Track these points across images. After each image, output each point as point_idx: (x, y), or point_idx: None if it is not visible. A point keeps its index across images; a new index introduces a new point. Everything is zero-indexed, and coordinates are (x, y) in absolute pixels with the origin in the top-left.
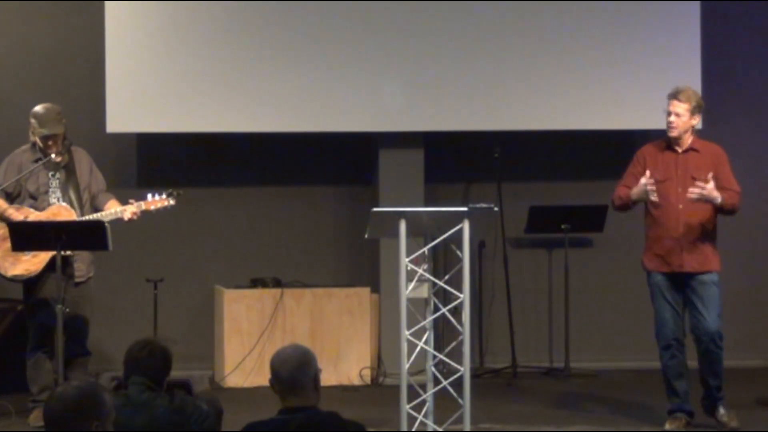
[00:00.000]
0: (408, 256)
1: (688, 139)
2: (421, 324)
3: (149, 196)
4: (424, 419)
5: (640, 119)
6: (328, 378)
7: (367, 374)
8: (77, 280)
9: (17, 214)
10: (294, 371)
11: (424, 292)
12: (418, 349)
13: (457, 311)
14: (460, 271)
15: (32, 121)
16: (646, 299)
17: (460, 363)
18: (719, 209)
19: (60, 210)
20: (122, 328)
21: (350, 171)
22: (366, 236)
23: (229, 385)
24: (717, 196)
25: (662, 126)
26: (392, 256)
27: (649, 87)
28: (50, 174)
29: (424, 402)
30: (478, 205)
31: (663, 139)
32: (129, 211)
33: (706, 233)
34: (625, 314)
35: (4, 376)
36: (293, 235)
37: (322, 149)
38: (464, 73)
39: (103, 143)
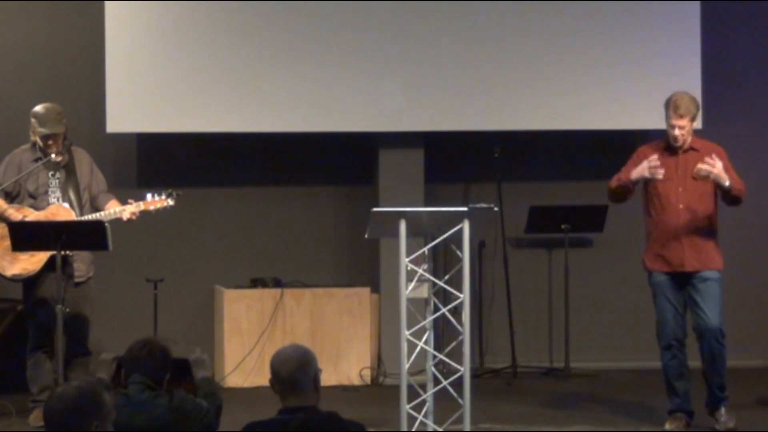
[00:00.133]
0: (408, 256)
1: (687, 140)
2: (421, 324)
3: (149, 196)
4: (424, 419)
5: (640, 119)
6: (328, 378)
7: (367, 374)
8: (77, 280)
9: (17, 213)
10: (294, 371)
11: (424, 292)
12: (418, 349)
13: (457, 311)
14: (460, 271)
15: (32, 120)
16: (646, 299)
17: (460, 363)
18: (725, 195)
19: (59, 210)
20: (122, 328)
21: (350, 171)
22: (366, 236)
23: (229, 385)
24: (725, 178)
25: (662, 126)
26: (392, 256)
27: (649, 87)
28: (50, 174)
29: (424, 402)
30: (478, 205)
31: (662, 139)
32: (128, 211)
33: (707, 232)
34: (625, 314)
35: (4, 376)
36: (293, 235)
37: (322, 149)
38: (464, 73)
39: (103, 143)
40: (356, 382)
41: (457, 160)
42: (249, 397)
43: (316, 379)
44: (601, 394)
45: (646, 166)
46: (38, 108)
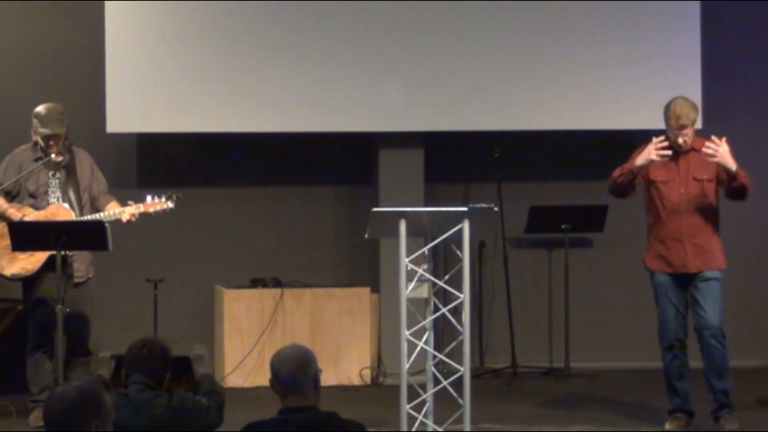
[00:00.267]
0: (408, 256)
1: (689, 141)
2: (421, 324)
3: (149, 198)
4: (424, 419)
5: (640, 119)
6: (328, 378)
7: (367, 374)
8: (76, 280)
9: (17, 213)
10: (294, 371)
11: (424, 292)
12: (418, 349)
13: (457, 311)
14: (460, 271)
15: (34, 120)
16: (645, 299)
17: (460, 363)
18: (730, 185)
19: (59, 210)
20: (122, 328)
21: (350, 171)
22: (366, 236)
23: (229, 385)
24: (732, 162)
25: (662, 126)
26: (392, 256)
27: (649, 87)
28: (50, 174)
29: (424, 402)
30: (478, 205)
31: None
32: (128, 212)
33: (710, 232)
34: (625, 314)
35: (4, 376)
36: (293, 235)
37: (322, 149)
38: (464, 73)
39: (103, 143)
40: (356, 382)
41: (457, 160)
42: (249, 397)
43: (316, 379)
44: (601, 394)
45: (652, 148)
46: (40, 108)
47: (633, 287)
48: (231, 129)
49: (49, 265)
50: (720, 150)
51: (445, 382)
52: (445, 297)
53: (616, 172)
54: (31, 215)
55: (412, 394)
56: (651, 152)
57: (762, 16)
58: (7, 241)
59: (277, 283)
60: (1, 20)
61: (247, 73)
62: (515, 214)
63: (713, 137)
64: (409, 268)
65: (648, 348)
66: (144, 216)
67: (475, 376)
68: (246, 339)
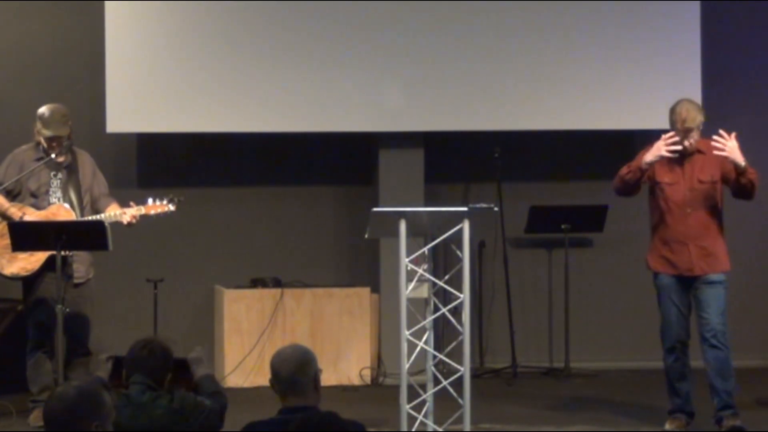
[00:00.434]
0: (408, 256)
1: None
2: (421, 324)
3: (150, 200)
4: (424, 419)
5: (640, 119)
6: (328, 378)
7: (367, 374)
8: (76, 281)
9: (18, 212)
10: (294, 371)
11: (424, 292)
12: (418, 349)
13: (457, 311)
14: (460, 271)
15: (37, 121)
16: (645, 299)
17: (460, 363)
18: (737, 182)
19: (59, 210)
20: (122, 328)
21: (350, 171)
22: (366, 236)
23: (230, 385)
24: (741, 157)
25: (662, 126)
26: (392, 256)
27: (649, 87)
28: (52, 174)
29: (424, 402)
30: (478, 205)
31: None
32: (129, 214)
33: (714, 234)
34: (625, 314)
35: (4, 376)
36: (293, 235)
37: (322, 149)
38: (464, 73)
39: (103, 143)
40: (356, 382)
41: (457, 160)
42: (249, 397)
43: (316, 379)
44: (601, 394)
45: (662, 144)
46: (44, 109)
47: (633, 287)
48: (231, 129)
49: (49, 265)
50: (729, 144)
51: (445, 382)
52: (445, 297)
53: (624, 170)
54: (32, 215)
55: (412, 394)
56: (661, 148)
57: (762, 16)
58: (8, 241)
59: (277, 283)
60: (1, 20)
61: (247, 73)
62: (515, 214)
63: (721, 131)
64: (409, 268)
65: (648, 348)
66: (145, 218)
67: (475, 376)
68: (246, 339)
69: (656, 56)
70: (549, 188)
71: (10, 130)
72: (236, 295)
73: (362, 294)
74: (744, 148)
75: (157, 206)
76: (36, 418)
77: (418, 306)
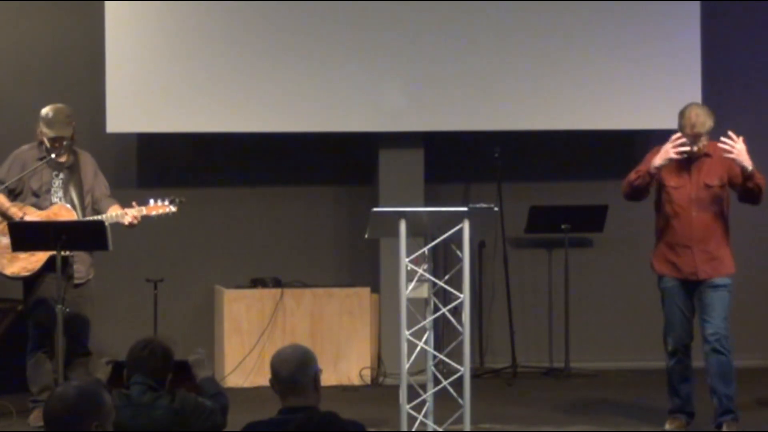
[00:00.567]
0: (408, 256)
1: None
2: (421, 324)
3: (151, 201)
4: (424, 419)
5: (640, 119)
6: (328, 378)
7: (367, 374)
8: (76, 281)
9: (19, 212)
10: (294, 371)
11: (424, 292)
12: (418, 349)
13: (457, 311)
14: (460, 271)
15: (41, 121)
16: (645, 299)
17: (460, 363)
18: (744, 186)
19: (61, 210)
20: (122, 329)
21: (350, 171)
22: (366, 236)
23: (230, 385)
24: (748, 161)
25: (662, 126)
26: (392, 256)
27: (649, 87)
28: (54, 173)
29: (424, 402)
30: (478, 205)
31: None
32: (130, 215)
33: (720, 238)
34: (625, 314)
35: (4, 376)
36: (293, 235)
37: (322, 149)
38: (464, 73)
39: (103, 143)
40: (356, 382)
41: (457, 160)
42: (249, 397)
43: (316, 379)
44: (601, 394)
45: (670, 147)
46: (47, 109)
47: (633, 287)
48: (231, 129)
49: (49, 265)
50: (737, 147)
51: (445, 382)
52: (445, 297)
53: (632, 176)
54: (32, 215)
55: (412, 394)
56: (669, 151)
57: (762, 16)
58: (8, 240)
59: (277, 283)
60: (1, 20)
61: (247, 73)
62: (515, 214)
63: (730, 133)
64: (409, 268)
65: (648, 348)
66: (145, 219)
67: (475, 376)
68: (246, 339)
69: (656, 56)
70: (549, 188)
71: (10, 130)
72: (236, 295)
73: (362, 294)
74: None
75: (158, 207)
76: (36, 418)
77: (418, 306)
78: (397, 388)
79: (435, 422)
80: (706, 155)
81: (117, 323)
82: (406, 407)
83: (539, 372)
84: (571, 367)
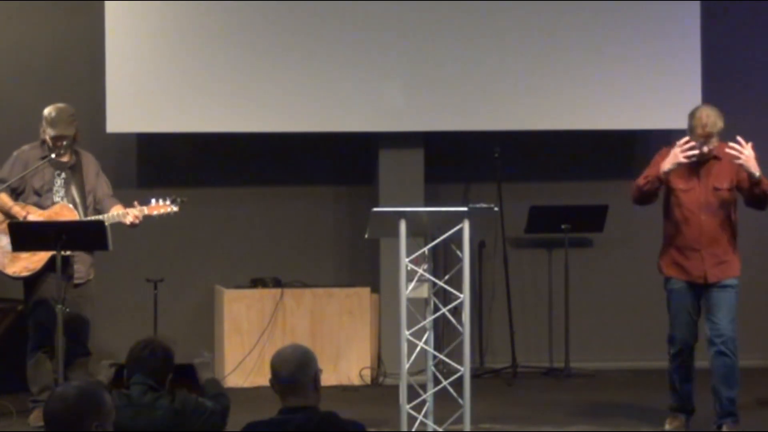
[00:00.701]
0: (408, 256)
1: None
2: (421, 324)
3: (153, 201)
4: (424, 419)
5: (640, 119)
6: (328, 378)
7: (367, 374)
8: (76, 281)
9: (22, 211)
10: (294, 371)
11: (424, 292)
12: (418, 349)
13: (457, 311)
14: (460, 271)
15: (43, 121)
16: (645, 299)
17: (460, 363)
18: (751, 192)
19: (63, 210)
20: (122, 329)
21: (350, 171)
22: (366, 236)
23: (230, 385)
24: (756, 167)
25: (662, 126)
26: (392, 256)
27: (649, 87)
28: (56, 173)
29: (424, 402)
30: (478, 205)
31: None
32: (131, 214)
33: (728, 241)
34: (624, 314)
35: (4, 376)
36: (293, 235)
37: (322, 149)
38: (464, 73)
39: (103, 143)
40: (356, 382)
41: (457, 160)
42: (249, 397)
43: (316, 379)
44: (601, 394)
45: (678, 151)
46: (50, 109)
47: (633, 287)
48: (231, 129)
49: (50, 265)
50: (745, 153)
51: (445, 382)
52: (445, 297)
53: (641, 181)
54: (35, 214)
55: (412, 394)
56: (678, 155)
57: (762, 16)
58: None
59: (277, 283)
60: (1, 20)
61: (247, 73)
62: (515, 214)
63: (739, 138)
64: (409, 268)
65: (648, 348)
66: (147, 218)
67: (475, 376)
68: (246, 339)
69: (656, 56)
70: (549, 188)
71: (10, 130)
72: (236, 295)
73: (362, 294)
74: None
75: (159, 206)
76: (36, 418)
77: (418, 306)
78: (397, 388)
79: (435, 422)
80: (716, 158)
81: (117, 323)
82: (406, 407)
83: (539, 372)
84: (571, 367)
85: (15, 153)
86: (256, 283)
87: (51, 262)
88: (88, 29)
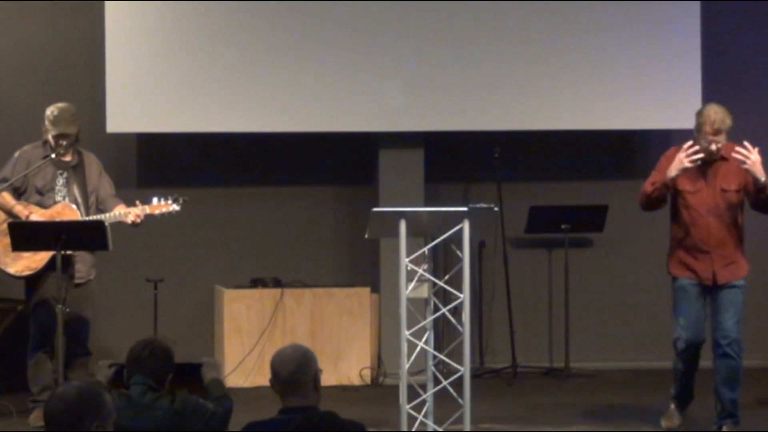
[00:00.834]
0: (408, 256)
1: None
2: (421, 324)
3: (154, 200)
4: (424, 419)
5: (640, 119)
6: (328, 378)
7: (367, 374)
8: (77, 281)
9: (24, 210)
10: (294, 371)
11: (424, 292)
12: (418, 349)
13: (457, 311)
14: (460, 271)
15: (46, 120)
16: (645, 299)
17: (460, 363)
18: (757, 197)
19: (65, 209)
20: (122, 329)
21: (350, 171)
22: (366, 236)
23: (230, 385)
24: (762, 173)
25: (662, 126)
26: (392, 256)
27: (649, 87)
28: (58, 172)
29: (424, 402)
30: (478, 205)
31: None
32: (133, 213)
33: (735, 242)
34: (625, 314)
35: (4, 376)
36: (293, 235)
37: (322, 149)
38: (464, 73)
39: (103, 143)
40: (356, 382)
41: (457, 160)
42: (249, 397)
43: (316, 379)
44: (601, 394)
45: (683, 156)
46: (52, 108)
47: (633, 287)
48: (231, 129)
49: (52, 264)
50: (752, 157)
51: (445, 382)
52: (445, 297)
53: (648, 187)
54: (37, 213)
55: (412, 394)
56: (683, 161)
57: (762, 16)
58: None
59: (277, 283)
60: (1, 20)
61: (247, 73)
62: (515, 214)
63: (746, 143)
64: (409, 268)
65: (648, 348)
66: (148, 218)
67: (475, 376)
68: (246, 339)
69: (656, 56)
70: (549, 188)
71: (10, 130)
72: (236, 295)
73: (362, 294)
74: None
75: (161, 206)
76: (36, 418)
77: (418, 306)
78: (397, 388)
79: (435, 422)
80: (723, 158)
81: (117, 323)
82: (406, 407)
83: (539, 372)
84: (571, 367)
85: (17, 152)
86: (256, 283)
87: (52, 261)
88: (88, 29)
